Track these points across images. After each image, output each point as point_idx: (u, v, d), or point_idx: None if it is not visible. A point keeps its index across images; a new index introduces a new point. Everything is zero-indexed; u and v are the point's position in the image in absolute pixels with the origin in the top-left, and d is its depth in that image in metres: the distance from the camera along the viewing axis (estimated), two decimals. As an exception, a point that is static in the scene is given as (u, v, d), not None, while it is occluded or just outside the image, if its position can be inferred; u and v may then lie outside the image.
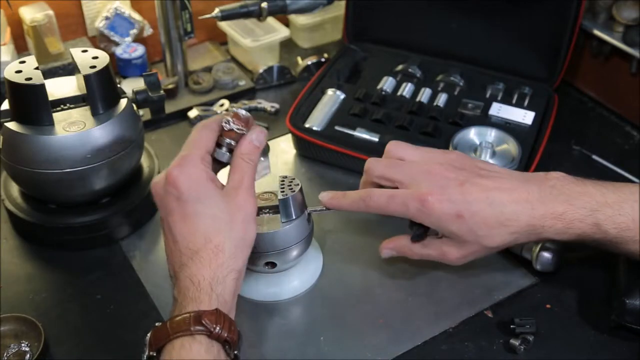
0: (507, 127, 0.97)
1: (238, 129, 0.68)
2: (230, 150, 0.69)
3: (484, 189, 0.70)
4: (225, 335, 0.58)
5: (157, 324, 0.60)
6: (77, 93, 0.81)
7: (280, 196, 0.72)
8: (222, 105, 1.09)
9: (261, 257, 0.74)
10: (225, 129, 0.68)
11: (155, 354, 0.59)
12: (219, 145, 0.69)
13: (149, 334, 0.60)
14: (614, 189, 0.69)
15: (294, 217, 0.73)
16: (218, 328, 0.58)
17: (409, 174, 0.72)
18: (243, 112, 0.69)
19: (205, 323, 0.58)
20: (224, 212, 0.64)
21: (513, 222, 0.69)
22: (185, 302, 0.60)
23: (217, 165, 0.69)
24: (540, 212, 0.68)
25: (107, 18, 1.09)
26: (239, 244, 0.64)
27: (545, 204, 0.69)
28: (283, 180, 0.74)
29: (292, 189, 0.73)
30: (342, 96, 1.03)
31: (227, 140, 0.68)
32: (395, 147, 0.75)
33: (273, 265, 0.75)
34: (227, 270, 0.62)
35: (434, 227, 0.71)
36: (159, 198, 0.66)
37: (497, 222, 0.69)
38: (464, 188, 0.70)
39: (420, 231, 0.73)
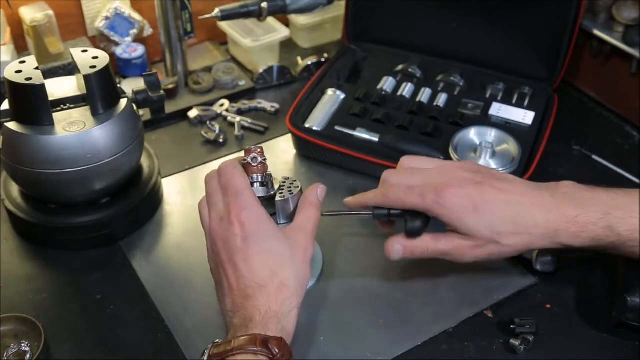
0: (507, 127, 0.97)
1: (263, 160, 0.72)
2: (262, 184, 0.72)
3: (500, 190, 0.71)
4: None
5: (217, 341, 0.63)
6: (77, 93, 0.81)
7: (278, 197, 0.72)
8: (222, 105, 1.09)
9: None
10: (253, 165, 0.71)
11: None
12: (251, 182, 0.71)
13: (208, 348, 0.62)
14: (623, 194, 0.71)
15: (290, 221, 0.73)
16: (280, 355, 0.60)
17: (427, 176, 0.73)
18: (252, 147, 0.72)
19: (270, 347, 0.60)
20: (287, 250, 0.67)
21: (529, 222, 0.70)
22: (252, 325, 0.62)
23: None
24: (555, 215, 0.69)
25: (107, 18, 1.09)
26: (300, 281, 0.67)
27: (558, 208, 0.70)
28: (284, 182, 0.74)
29: (291, 191, 0.73)
30: (342, 96, 1.03)
31: (255, 176, 0.72)
32: (409, 160, 0.77)
33: None
34: (291, 305, 0.65)
35: (449, 222, 0.71)
36: (221, 240, 0.67)
37: (514, 222, 0.70)
38: (481, 187, 0.71)
39: (416, 225, 0.72)
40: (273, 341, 0.60)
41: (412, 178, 0.73)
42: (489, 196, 0.70)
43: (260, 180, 0.72)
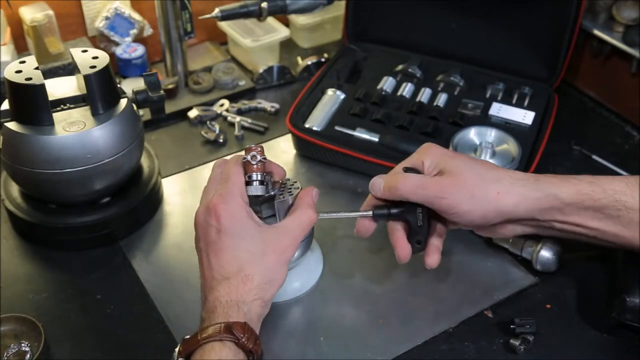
0: (507, 127, 0.97)
1: (263, 159, 0.71)
2: (261, 183, 0.71)
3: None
4: (251, 346, 0.61)
5: (186, 337, 0.63)
6: (77, 93, 0.81)
7: (277, 199, 0.72)
8: (222, 105, 1.09)
9: None
10: (252, 163, 0.71)
11: None
12: (248, 181, 0.71)
13: (178, 346, 0.63)
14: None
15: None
16: (245, 338, 0.61)
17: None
18: (253, 146, 0.72)
19: (234, 332, 0.61)
20: (258, 247, 0.67)
21: (509, 172, 0.71)
22: (214, 316, 0.63)
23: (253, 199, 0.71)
24: (545, 178, 0.71)
25: (107, 18, 1.09)
26: (269, 280, 0.67)
27: (547, 178, 0.71)
28: (285, 183, 0.74)
29: (290, 192, 0.73)
30: (342, 96, 1.03)
31: (254, 175, 0.71)
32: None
33: None
34: (254, 296, 0.65)
35: (432, 160, 0.72)
36: (200, 228, 0.69)
37: (493, 166, 0.72)
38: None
39: (420, 218, 0.72)
40: (236, 326, 0.61)
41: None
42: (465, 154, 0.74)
43: (259, 178, 0.71)
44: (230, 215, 0.67)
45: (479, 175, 0.70)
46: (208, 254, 0.67)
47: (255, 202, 0.71)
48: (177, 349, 0.63)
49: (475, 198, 0.69)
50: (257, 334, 0.64)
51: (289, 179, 0.75)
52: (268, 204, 0.72)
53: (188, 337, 0.63)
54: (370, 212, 0.74)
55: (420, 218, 0.71)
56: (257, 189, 0.71)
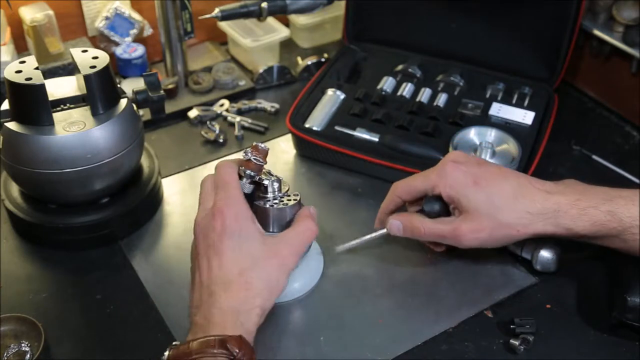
0: (507, 127, 0.97)
1: (255, 159, 0.71)
2: (251, 182, 0.72)
3: (501, 170, 0.74)
4: None
5: (175, 343, 0.62)
6: (77, 93, 0.81)
7: (275, 206, 0.72)
8: (222, 105, 1.09)
9: None
10: (244, 158, 0.72)
11: None
12: (239, 176, 0.72)
13: (166, 352, 0.62)
14: (625, 189, 0.72)
15: (274, 230, 0.73)
16: (240, 354, 0.60)
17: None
18: (262, 145, 0.72)
19: (229, 347, 0.60)
20: (261, 253, 0.67)
21: (529, 198, 0.71)
22: (210, 326, 0.62)
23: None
24: (555, 197, 0.71)
25: (107, 18, 1.09)
26: (269, 285, 0.66)
27: (559, 192, 0.72)
28: (286, 192, 0.74)
29: (289, 200, 0.73)
30: (342, 96, 1.03)
31: (248, 172, 0.72)
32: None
33: None
34: (253, 304, 0.65)
35: (449, 194, 0.72)
36: (202, 232, 0.68)
37: (513, 195, 0.71)
38: (482, 166, 0.74)
39: (435, 207, 0.75)
40: (231, 341, 0.60)
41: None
42: (489, 172, 0.73)
43: (251, 176, 0.72)
44: (235, 216, 0.67)
45: (497, 220, 0.71)
46: (209, 256, 0.66)
47: None
48: (166, 355, 0.62)
49: (493, 237, 0.72)
50: (252, 346, 0.62)
51: (287, 190, 0.75)
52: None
53: (177, 343, 0.62)
54: (385, 230, 0.79)
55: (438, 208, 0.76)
56: (244, 187, 0.71)
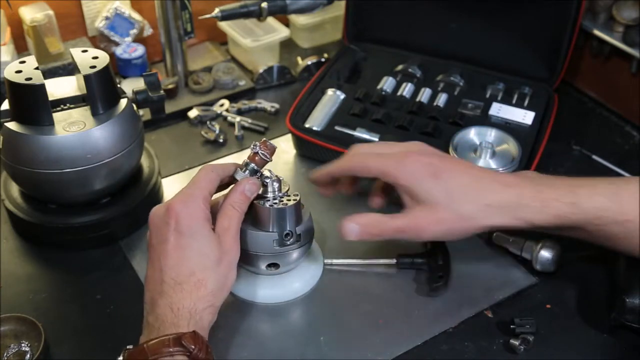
0: (507, 127, 0.97)
1: (262, 154, 0.72)
2: (252, 172, 0.73)
3: (460, 162, 0.74)
4: (203, 356, 0.60)
5: (129, 347, 0.62)
6: (77, 93, 0.81)
7: (274, 204, 0.72)
8: (222, 105, 1.09)
9: (263, 259, 0.74)
10: (252, 151, 0.73)
11: None
12: (242, 166, 0.73)
13: (120, 357, 0.62)
14: (587, 178, 0.72)
15: (270, 230, 0.73)
16: (197, 349, 0.60)
17: (392, 149, 0.76)
18: (270, 142, 0.73)
19: (185, 344, 0.59)
20: (213, 252, 0.66)
21: (488, 192, 0.70)
22: (164, 327, 0.62)
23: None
24: (516, 190, 0.70)
25: (107, 18, 1.09)
26: (220, 284, 0.66)
27: (520, 185, 0.71)
28: (280, 191, 0.74)
29: (289, 200, 0.73)
30: (342, 96, 1.03)
31: (252, 165, 0.73)
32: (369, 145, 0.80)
33: (276, 266, 0.75)
34: (206, 304, 0.65)
35: (406, 185, 0.71)
36: (155, 226, 0.68)
37: (473, 188, 0.70)
38: (443, 158, 0.73)
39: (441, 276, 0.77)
40: (186, 337, 0.60)
41: (377, 148, 0.76)
42: (449, 164, 0.72)
43: (249, 169, 0.72)
44: (189, 216, 0.66)
45: (456, 212, 0.69)
46: (159, 253, 0.66)
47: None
48: (120, 359, 0.62)
49: (453, 229, 0.71)
50: (207, 341, 0.62)
51: (288, 190, 0.75)
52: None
53: (131, 347, 0.62)
54: (394, 262, 0.81)
55: (440, 257, 0.78)
56: (239, 175, 0.72)
